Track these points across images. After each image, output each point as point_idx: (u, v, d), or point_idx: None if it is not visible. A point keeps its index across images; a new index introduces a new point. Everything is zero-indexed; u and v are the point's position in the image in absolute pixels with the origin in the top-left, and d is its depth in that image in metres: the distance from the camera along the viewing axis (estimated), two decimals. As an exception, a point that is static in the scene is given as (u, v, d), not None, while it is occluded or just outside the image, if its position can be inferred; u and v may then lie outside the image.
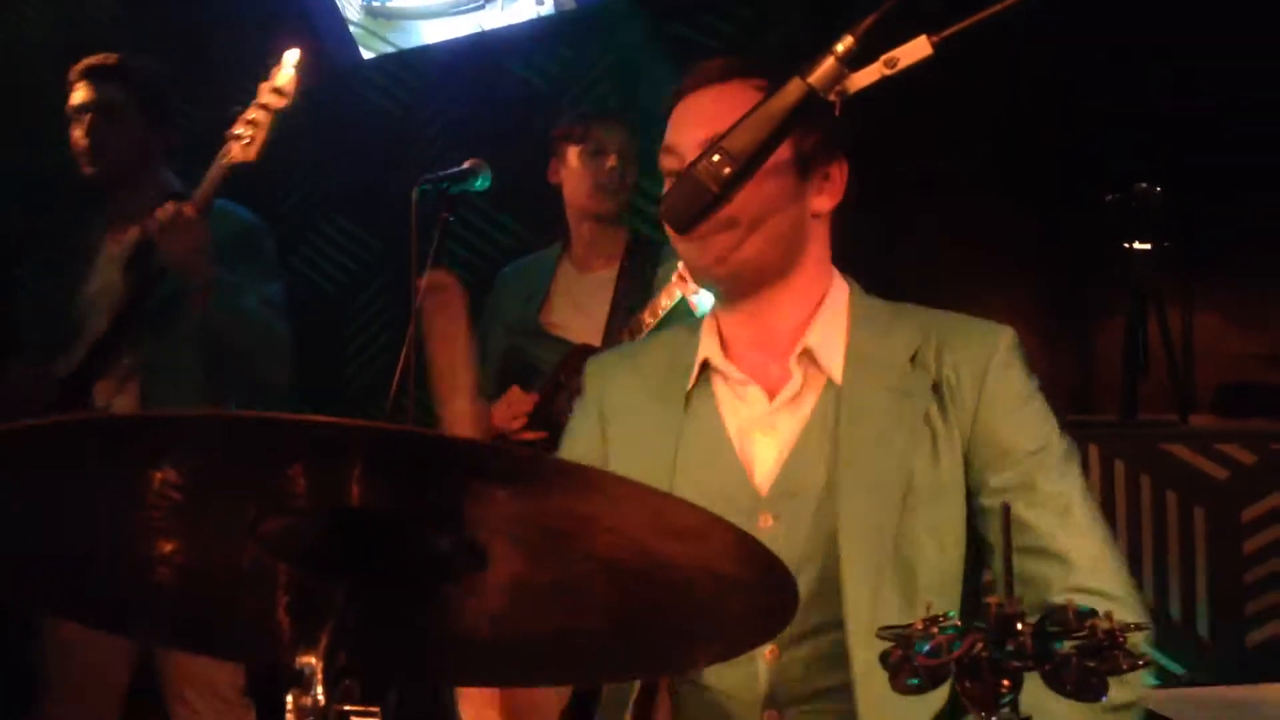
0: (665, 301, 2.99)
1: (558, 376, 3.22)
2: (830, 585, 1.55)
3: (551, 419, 3.16)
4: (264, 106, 2.81)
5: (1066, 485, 1.60)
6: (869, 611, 1.52)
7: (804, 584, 1.56)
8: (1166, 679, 2.91)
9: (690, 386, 1.71)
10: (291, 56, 2.81)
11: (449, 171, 3.10)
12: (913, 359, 1.64)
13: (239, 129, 2.80)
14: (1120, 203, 3.91)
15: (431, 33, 5.02)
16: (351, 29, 5.10)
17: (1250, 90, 5.04)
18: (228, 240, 2.91)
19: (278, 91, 2.81)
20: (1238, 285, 6.58)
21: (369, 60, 5.15)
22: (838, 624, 1.54)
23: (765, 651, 1.59)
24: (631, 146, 3.28)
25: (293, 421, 0.83)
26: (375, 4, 5.09)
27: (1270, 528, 2.91)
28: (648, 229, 3.65)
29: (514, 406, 3.21)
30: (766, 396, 1.67)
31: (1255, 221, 5.90)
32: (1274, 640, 2.89)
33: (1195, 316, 6.49)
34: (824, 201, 1.68)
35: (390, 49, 5.11)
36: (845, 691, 1.54)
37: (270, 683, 2.95)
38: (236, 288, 2.88)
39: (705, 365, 1.71)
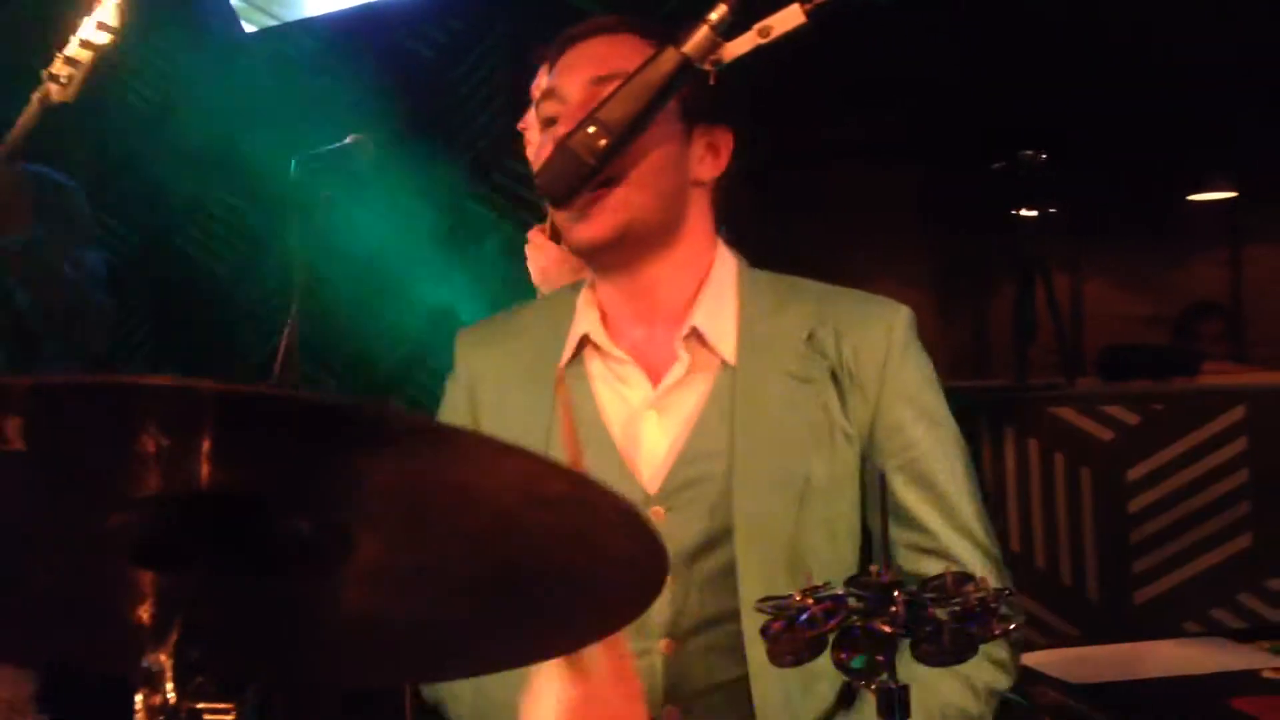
0: None
1: None
2: (726, 577, 1.53)
3: None
4: (87, 43, 2.59)
5: (951, 468, 1.60)
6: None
7: (698, 574, 1.54)
8: (1058, 639, 2.96)
9: (564, 364, 1.64)
10: None
11: (330, 147, 3.03)
12: (809, 340, 1.59)
13: (56, 67, 2.60)
14: (1007, 170, 3.95)
15: (316, 5, 4.91)
16: (233, 2, 4.98)
17: (1135, 56, 5.13)
18: (41, 203, 2.78)
19: (103, 27, 2.59)
20: (1122, 249, 6.73)
21: (251, 34, 5.03)
22: (734, 615, 1.52)
23: (661, 645, 1.55)
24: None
25: (139, 385, 0.76)
26: (257, -25, 4.97)
27: (1154, 487, 2.98)
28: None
29: None
30: (648, 379, 1.61)
31: (1138, 186, 6.04)
32: (1160, 598, 2.96)
33: (1083, 281, 6.65)
34: (707, 170, 1.64)
35: (273, 21, 4.99)
36: (745, 684, 1.52)
37: (66, 690, 2.84)
38: (53, 250, 2.75)
39: (583, 341, 1.64)
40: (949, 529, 1.58)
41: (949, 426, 1.62)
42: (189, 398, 0.78)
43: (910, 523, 1.57)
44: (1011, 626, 1.08)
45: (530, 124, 3.02)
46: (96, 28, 2.56)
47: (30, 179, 2.79)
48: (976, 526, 1.60)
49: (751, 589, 1.50)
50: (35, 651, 1.10)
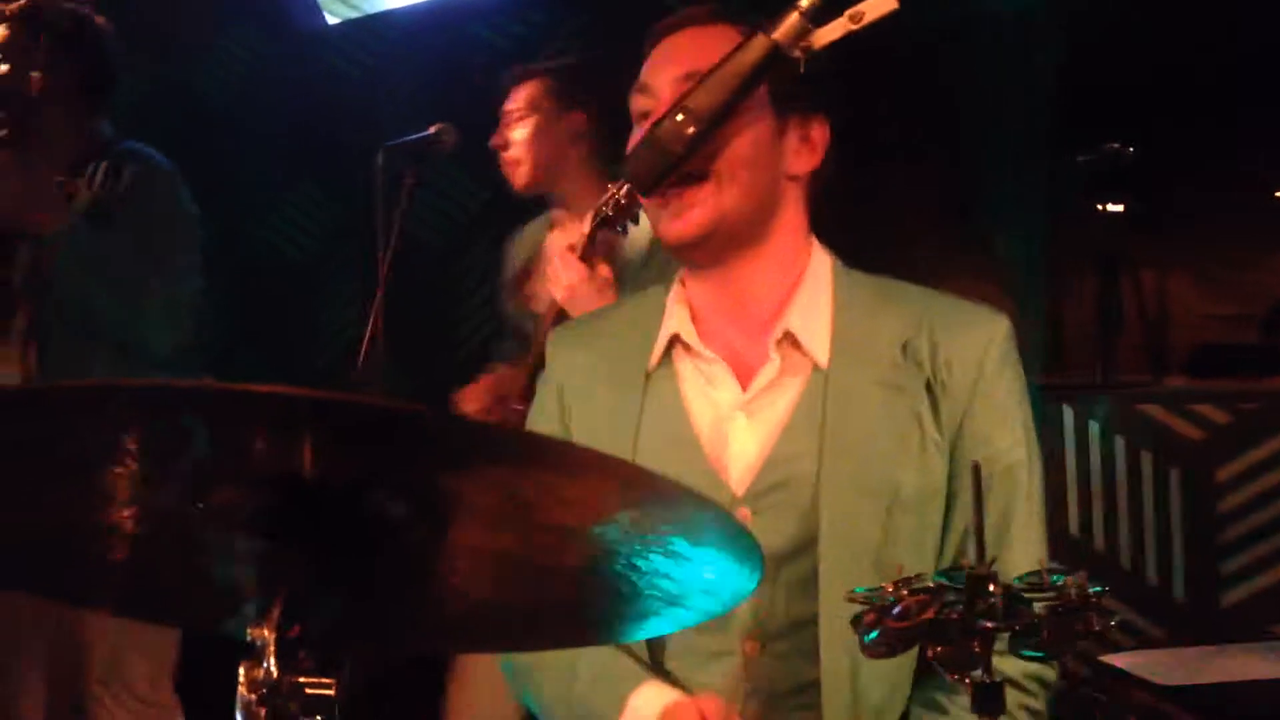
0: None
1: (541, 347, 3.12)
2: (812, 581, 1.50)
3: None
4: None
5: (1028, 490, 1.56)
6: (842, 619, 1.46)
7: (784, 577, 1.51)
8: (1143, 640, 2.92)
9: (653, 365, 1.62)
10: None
11: (414, 136, 3.05)
12: (904, 349, 1.55)
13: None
14: (1092, 164, 3.89)
15: (396, -2, 4.95)
16: (315, -6, 5.03)
17: (1223, 49, 5.03)
18: (114, 183, 2.72)
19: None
20: (1208, 247, 6.60)
21: (333, 25, 5.08)
22: (816, 620, 1.50)
23: (746, 646, 1.53)
24: (542, 98, 3.05)
25: (244, 392, 0.81)
26: (339, -32, 5.02)
27: (1244, 487, 2.92)
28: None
29: (503, 385, 3.07)
30: (737, 381, 1.58)
31: (1224, 183, 5.92)
32: (1248, 600, 2.90)
33: (1167, 277, 6.52)
34: (801, 163, 1.59)
35: (354, 14, 5.04)
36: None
37: (201, 679, 2.86)
38: (94, 241, 2.68)
39: (672, 340, 1.61)
40: (1015, 547, 1.53)
41: (1034, 446, 1.58)
42: (290, 405, 0.82)
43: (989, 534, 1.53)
44: (1111, 623, 1.06)
45: (501, 142, 3.01)
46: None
47: (117, 157, 2.77)
48: (1038, 550, 1.55)
49: (832, 595, 1.47)
50: (164, 610, 1.16)
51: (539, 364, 3.05)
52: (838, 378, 1.54)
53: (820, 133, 1.60)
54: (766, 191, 1.57)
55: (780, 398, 1.56)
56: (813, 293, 1.59)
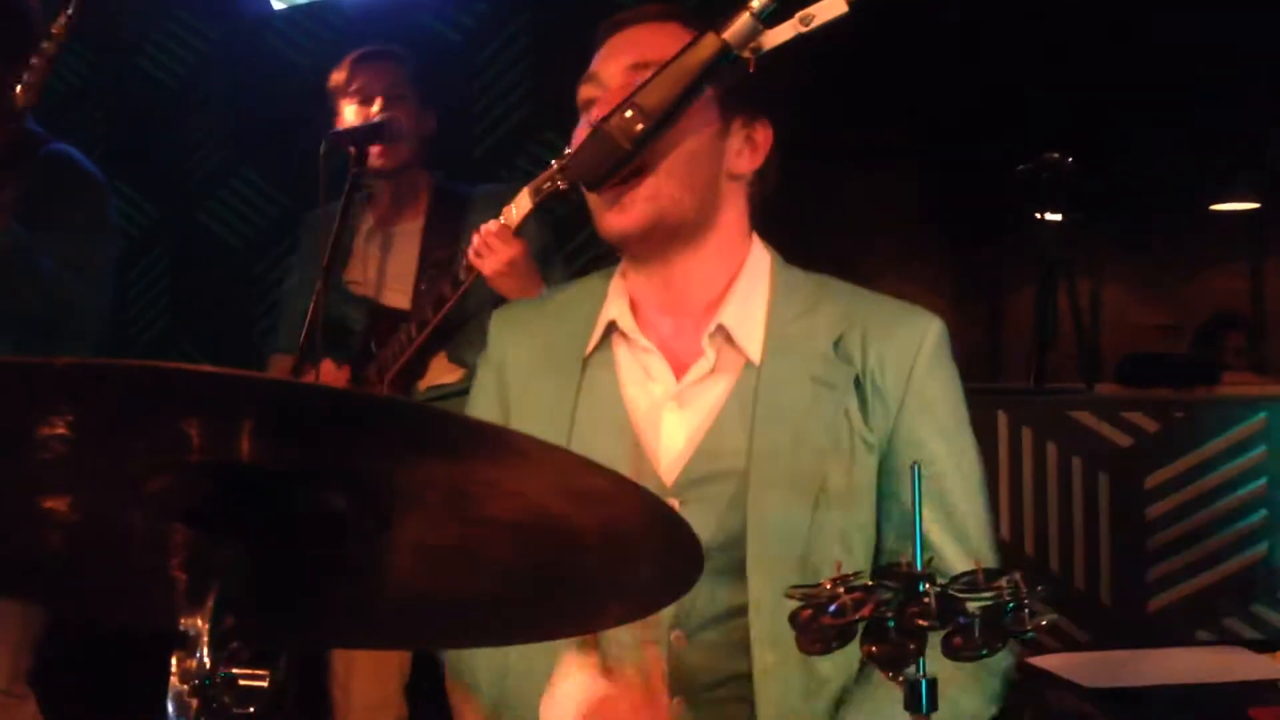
0: (463, 276, 2.80)
1: (366, 344, 3.07)
2: (738, 573, 1.51)
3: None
4: (42, 52, 2.59)
5: (965, 488, 1.58)
6: (770, 612, 1.47)
7: (710, 569, 1.51)
8: (1069, 644, 2.95)
9: (590, 351, 1.63)
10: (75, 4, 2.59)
11: (360, 124, 3.02)
12: (836, 345, 1.57)
13: (27, 75, 2.59)
14: (1031, 173, 3.93)
15: (345, -15, 4.91)
16: (262, -21, 4.98)
17: (1159, 67, 5.11)
18: (40, 186, 2.76)
19: (49, 37, 2.58)
20: (1144, 257, 6.71)
21: (279, 11, 5.02)
22: (744, 611, 1.51)
23: (671, 636, 1.53)
24: (403, 86, 3.11)
25: (184, 372, 0.79)
26: (287, -46, 4.97)
27: (1172, 495, 2.96)
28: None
29: (326, 381, 3.01)
30: (672, 371, 1.59)
31: (1161, 193, 6.02)
32: (1174, 605, 2.94)
33: (1103, 287, 6.62)
34: (744, 163, 1.61)
35: (302, 0, 4.99)
36: (751, 680, 1.51)
37: (57, 668, 2.81)
38: (29, 246, 2.71)
39: (610, 328, 1.63)
40: (956, 548, 1.56)
41: (969, 445, 1.60)
42: (230, 387, 0.81)
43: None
44: (1044, 621, 1.07)
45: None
46: (47, 38, 2.59)
47: (51, 158, 2.78)
48: (985, 550, 1.58)
49: (761, 588, 1.49)
50: (86, 605, 1.14)
51: (366, 359, 3.03)
52: (770, 373, 1.56)
53: (764, 134, 1.62)
54: (707, 189, 1.58)
55: (712, 390, 1.58)
56: (749, 289, 1.61)
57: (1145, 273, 6.75)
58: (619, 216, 1.55)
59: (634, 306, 1.63)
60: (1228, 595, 2.87)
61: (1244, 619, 2.87)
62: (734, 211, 1.63)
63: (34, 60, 2.59)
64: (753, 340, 1.58)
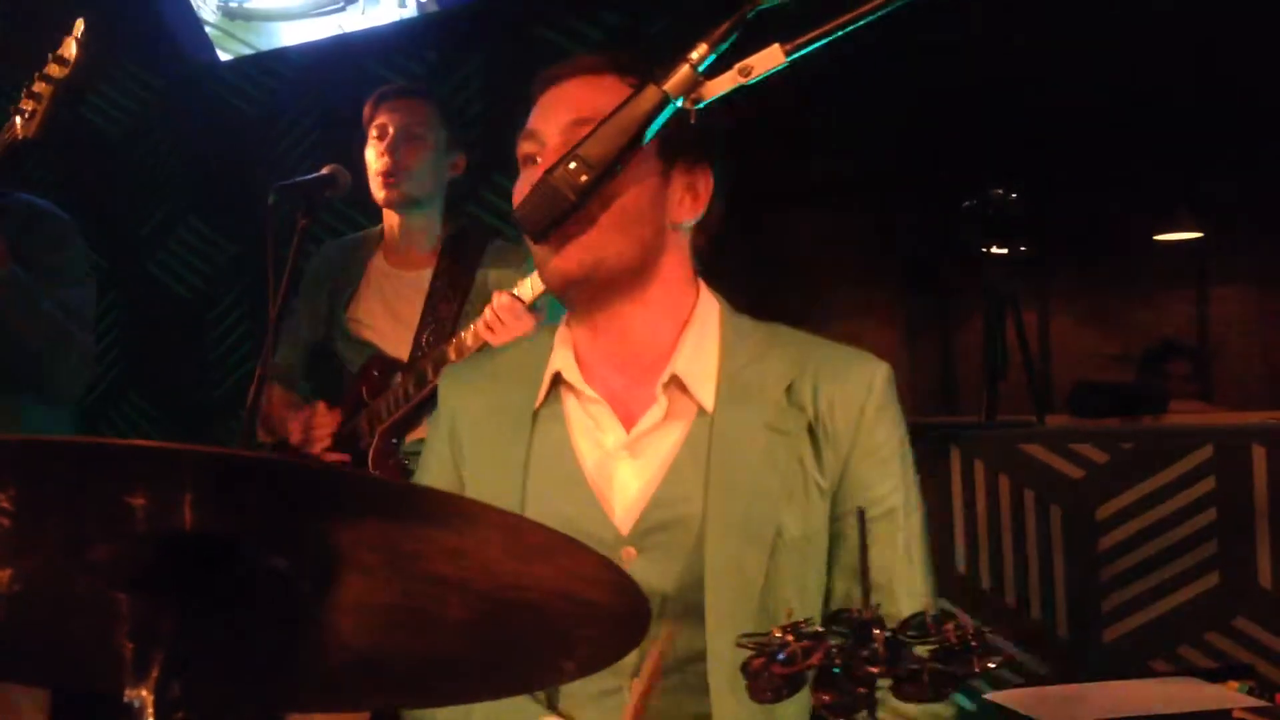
0: (470, 343, 2.74)
1: (359, 392, 3.05)
2: (696, 619, 1.51)
3: (355, 440, 3.02)
4: (47, 77, 2.60)
5: (908, 533, 1.59)
6: (730, 660, 1.44)
7: (671, 616, 1.52)
8: (1026, 677, 2.97)
9: (539, 404, 1.63)
10: (79, 26, 2.60)
11: (307, 177, 3.02)
12: (788, 392, 1.58)
13: (24, 104, 2.60)
14: (977, 208, 3.98)
15: (291, 35, 4.91)
16: (208, 30, 4.98)
17: (1102, 98, 5.20)
18: (29, 235, 2.77)
19: (59, 61, 2.60)
20: (1090, 287, 6.80)
21: (226, 62, 5.02)
22: (702, 657, 1.51)
23: (631, 683, 1.52)
24: (422, 126, 3.10)
25: (122, 447, 0.80)
26: (233, 4, 4.97)
27: (1122, 525, 3.00)
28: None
29: (319, 425, 3.05)
30: (621, 422, 1.60)
31: (1105, 225, 6.10)
32: (1129, 635, 2.97)
33: (1051, 318, 6.70)
34: (685, 212, 1.61)
35: (248, 50, 4.99)
36: None
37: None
38: (29, 286, 2.72)
39: (556, 379, 1.64)
40: (904, 589, 1.56)
41: (913, 485, 1.62)
42: (171, 460, 0.81)
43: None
44: (991, 664, 1.08)
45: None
46: (55, 62, 2.57)
47: (20, 208, 2.78)
48: (922, 590, 1.58)
49: (719, 635, 1.49)
50: (40, 672, 1.13)
51: (358, 407, 3.02)
52: (723, 420, 1.57)
53: (705, 183, 1.63)
54: (649, 239, 1.59)
55: (665, 439, 1.58)
56: (699, 337, 1.62)
57: (1092, 303, 6.83)
58: (560, 262, 1.56)
59: (579, 357, 1.64)
60: (1181, 625, 2.90)
61: (1199, 647, 2.90)
62: (677, 260, 1.63)
63: (37, 88, 2.58)
64: (705, 388, 1.59)
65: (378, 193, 3.07)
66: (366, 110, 3.13)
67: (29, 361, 2.74)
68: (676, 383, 1.59)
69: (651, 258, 1.60)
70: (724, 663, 1.49)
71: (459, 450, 1.68)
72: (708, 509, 1.53)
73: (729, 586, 1.52)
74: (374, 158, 3.08)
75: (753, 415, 1.57)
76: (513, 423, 1.63)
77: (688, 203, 1.62)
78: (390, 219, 3.15)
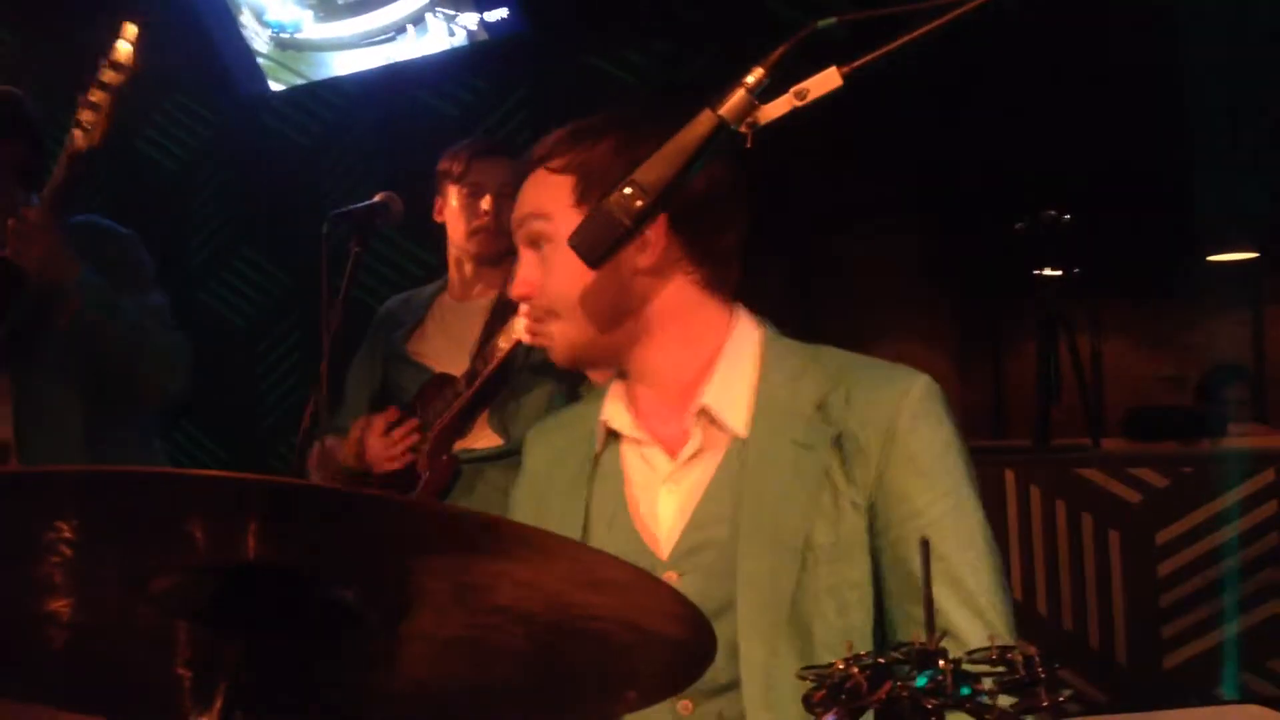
0: (502, 344, 2.84)
1: (414, 409, 3.07)
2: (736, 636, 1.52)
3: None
4: (104, 85, 2.56)
5: (960, 541, 1.54)
6: (763, 673, 1.48)
7: (718, 637, 1.52)
8: (1086, 705, 2.92)
9: (599, 450, 1.67)
10: (130, 30, 2.55)
11: (359, 205, 3.05)
12: (820, 407, 1.57)
13: (82, 114, 2.57)
14: (1029, 230, 3.95)
15: (342, 65, 4.97)
16: (260, 60, 5.04)
17: (1158, 116, 5.15)
18: (94, 252, 2.78)
19: (115, 67, 2.55)
20: (1144, 309, 6.72)
21: (278, 92, 5.08)
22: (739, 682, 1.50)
23: (679, 705, 1.53)
24: (510, 186, 3.13)
25: (184, 476, 0.80)
26: (284, 35, 5.03)
27: (1183, 550, 2.95)
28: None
29: (395, 444, 3.04)
30: (670, 457, 1.62)
31: (1159, 246, 6.04)
32: (1190, 662, 2.92)
33: (1104, 341, 6.63)
34: (645, 259, 1.59)
35: (300, 81, 5.05)
36: None
37: None
38: (106, 289, 2.74)
39: (609, 429, 1.68)
40: (956, 605, 1.52)
41: (965, 498, 1.56)
42: (234, 489, 0.81)
43: (914, 595, 1.52)
44: (1061, 698, 1.05)
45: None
46: (110, 68, 2.56)
47: (81, 228, 2.80)
48: (987, 605, 1.52)
49: (752, 652, 1.49)
50: (102, 702, 1.13)
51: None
52: (756, 443, 1.57)
53: (655, 231, 1.58)
54: (613, 305, 1.60)
55: (702, 466, 1.60)
56: (731, 366, 1.62)
57: (1146, 324, 6.76)
58: (553, 356, 1.65)
59: (635, 403, 1.67)
60: (1244, 651, 2.85)
61: (1261, 674, 2.85)
62: (675, 296, 1.62)
63: (94, 98, 2.55)
64: (737, 414, 1.59)
65: (472, 248, 3.09)
66: (454, 165, 3.13)
67: (120, 366, 2.77)
68: (706, 413, 1.59)
69: (636, 307, 1.61)
70: (757, 678, 1.48)
71: (538, 501, 1.73)
72: (739, 525, 1.54)
73: (759, 599, 1.51)
74: (473, 214, 3.08)
75: (784, 434, 1.57)
76: (574, 472, 1.68)
77: (645, 250, 1.59)
78: (465, 265, 3.17)
